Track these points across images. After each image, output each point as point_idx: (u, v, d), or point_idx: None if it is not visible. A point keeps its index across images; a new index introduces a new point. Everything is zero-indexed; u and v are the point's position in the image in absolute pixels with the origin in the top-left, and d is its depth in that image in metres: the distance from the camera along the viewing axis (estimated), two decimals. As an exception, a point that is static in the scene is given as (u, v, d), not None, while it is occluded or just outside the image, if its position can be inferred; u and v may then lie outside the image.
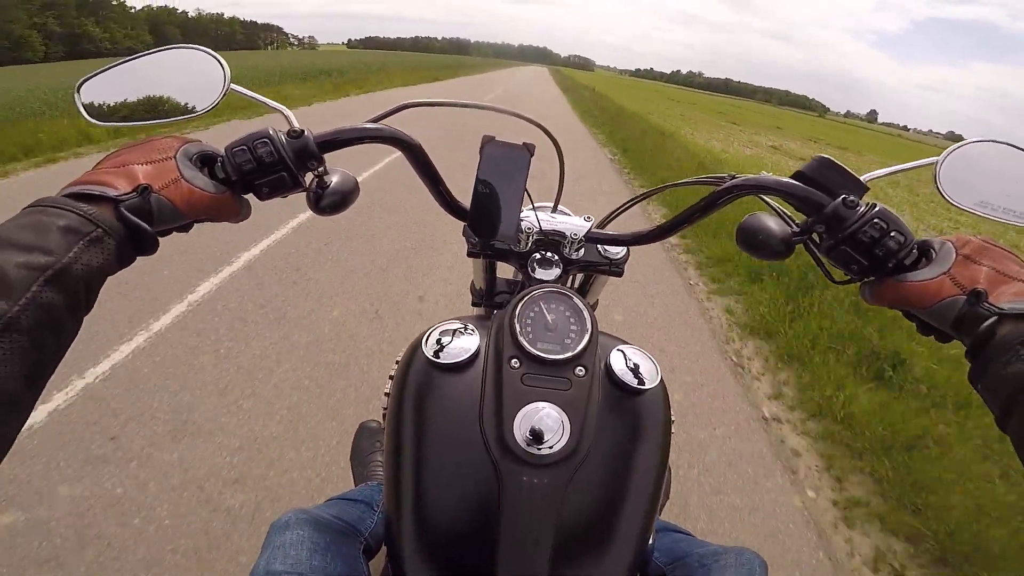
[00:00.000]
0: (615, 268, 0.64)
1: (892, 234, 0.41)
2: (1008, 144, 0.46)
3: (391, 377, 0.54)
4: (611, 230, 0.64)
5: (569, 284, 0.74)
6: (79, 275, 0.32)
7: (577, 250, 0.62)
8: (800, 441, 1.75)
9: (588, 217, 0.63)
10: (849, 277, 0.45)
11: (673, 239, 3.38)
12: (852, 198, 0.43)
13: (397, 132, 0.49)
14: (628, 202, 0.69)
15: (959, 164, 0.46)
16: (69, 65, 28.03)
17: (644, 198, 0.68)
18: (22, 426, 0.30)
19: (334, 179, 0.48)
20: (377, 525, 0.70)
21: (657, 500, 0.48)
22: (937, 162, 0.46)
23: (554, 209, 0.65)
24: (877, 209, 0.42)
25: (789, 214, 0.49)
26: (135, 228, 0.36)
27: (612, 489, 0.46)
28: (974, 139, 0.47)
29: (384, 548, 0.58)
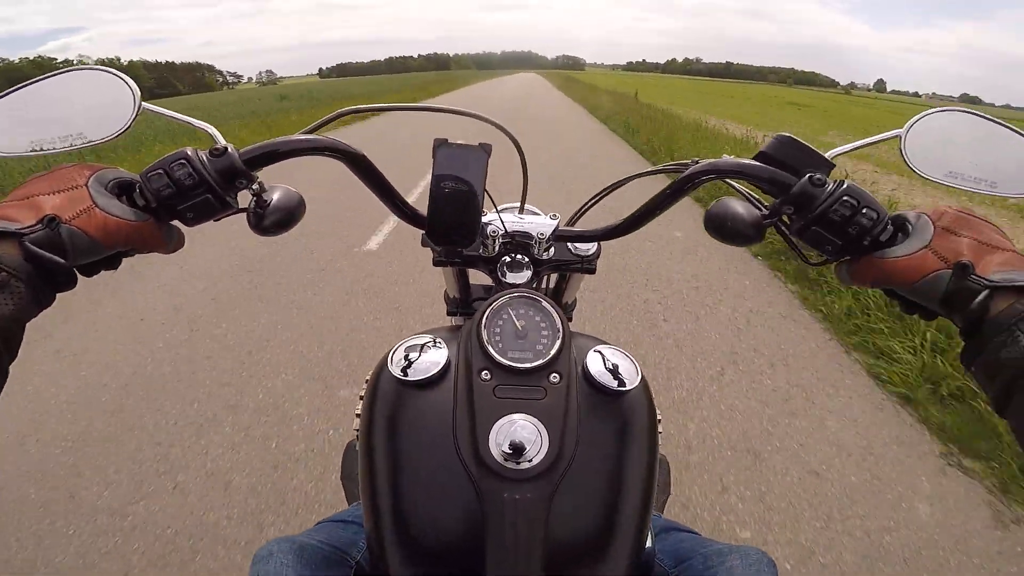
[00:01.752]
0: (587, 265, 0.64)
1: (864, 211, 0.41)
2: (971, 112, 0.46)
3: (361, 397, 0.53)
4: (581, 227, 0.64)
5: (544, 285, 0.75)
6: None
7: (547, 250, 0.62)
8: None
9: (555, 215, 0.63)
10: (824, 258, 0.45)
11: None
12: (819, 176, 0.43)
13: (336, 142, 0.48)
14: (594, 197, 0.69)
15: (924, 135, 0.46)
16: None
17: (610, 191, 0.68)
18: None
19: (275, 196, 0.47)
20: None
21: (650, 500, 0.48)
22: (901, 134, 0.46)
23: (521, 210, 0.65)
24: (845, 186, 0.42)
25: (757, 197, 0.50)
26: (46, 264, 0.34)
27: (601, 495, 0.45)
28: (936, 109, 0.47)
29: None
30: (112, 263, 0.41)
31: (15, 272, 0.32)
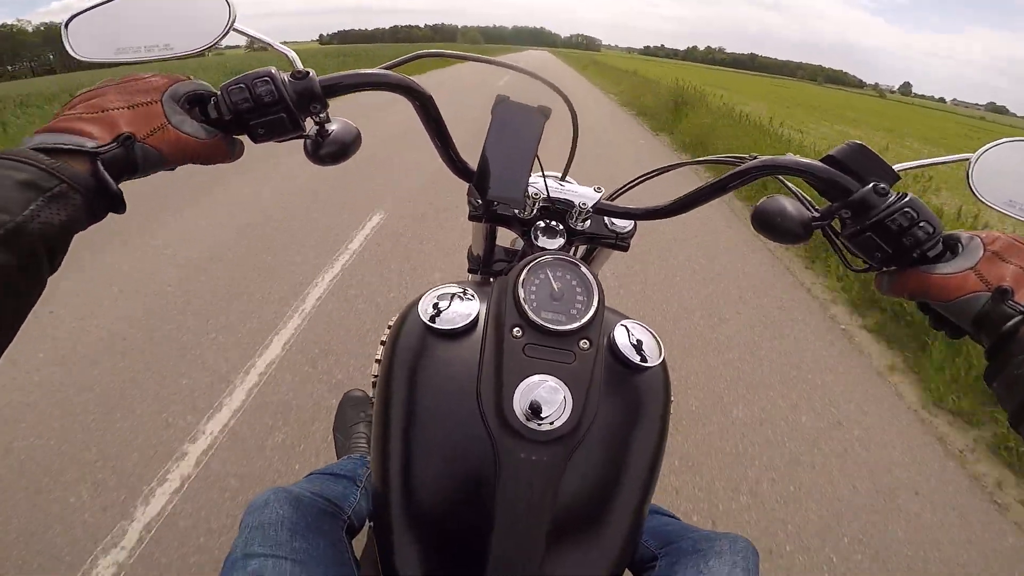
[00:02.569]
0: (620, 242, 0.65)
1: (921, 224, 0.42)
2: None
3: (383, 343, 0.55)
4: (621, 203, 0.64)
5: (573, 255, 0.77)
6: (36, 233, 0.31)
7: (583, 221, 0.63)
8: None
9: (599, 188, 0.64)
10: (868, 265, 0.46)
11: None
12: (883, 186, 0.44)
13: (408, 80, 0.49)
14: (640, 177, 0.69)
15: (993, 161, 0.47)
16: None
17: (659, 173, 0.68)
18: None
19: (335, 127, 0.48)
20: (360, 501, 0.69)
21: (653, 483, 0.49)
22: (971, 159, 0.47)
23: (563, 177, 0.66)
24: (908, 198, 0.43)
25: (808, 198, 0.51)
26: (107, 186, 0.35)
27: (610, 469, 0.47)
28: (1012, 138, 0.48)
29: (368, 526, 0.59)
30: (170, 168, 0.43)
31: (76, 185, 0.33)
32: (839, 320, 2.61)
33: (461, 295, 0.50)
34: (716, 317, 2.45)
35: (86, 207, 0.34)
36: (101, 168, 0.35)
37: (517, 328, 0.44)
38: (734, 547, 0.56)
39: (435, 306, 0.49)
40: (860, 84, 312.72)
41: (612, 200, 0.66)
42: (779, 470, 1.64)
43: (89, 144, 0.35)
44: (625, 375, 0.49)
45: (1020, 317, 0.36)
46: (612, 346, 0.49)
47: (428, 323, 0.48)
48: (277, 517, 0.53)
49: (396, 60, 0.55)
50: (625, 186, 0.69)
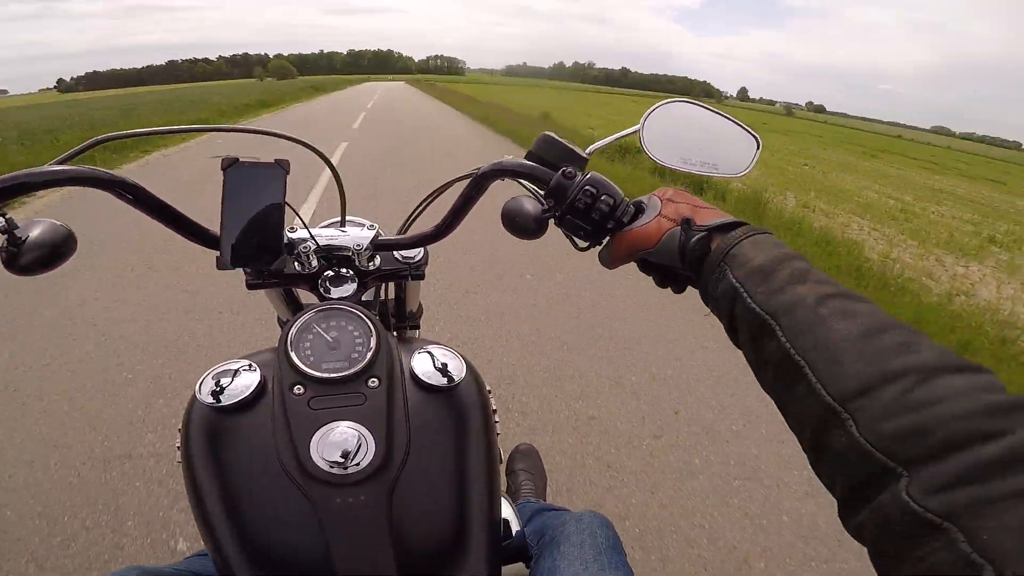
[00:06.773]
0: (414, 271, 0.73)
1: (603, 197, 0.53)
2: (693, 103, 0.59)
3: (180, 430, 0.57)
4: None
5: (384, 295, 0.85)
6: None
7: (369, 260, 0.70)
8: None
9: (372, 225, 0.71)
10: (587, 243, 0.57)
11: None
12: (570, 170, 0.54)
13: (98, 172, 0.51)
14: (419, 206, 0.77)
15: (659, 125, 0.58)
16: None
17: (434, 198, 0.75)
18: None
19: (32, 233, 0.49)
20: None
21: (496, 484, 0.56)
22: (640, 127, 0.58)
23: (342, 224, 0.72)
24: (588, 176, 0.53)
25: (541, 194, 0.59)
26: None
27: (444, 486, 0.53)
28: (667, 100, 0.59)
29: None
30: None
31: None
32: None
33: (246, 368, 0.54)
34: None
35: None
36: None
37: (298, 386, 0.51)
38: (579, 526, 0.66)
39: (217, 384, 0.53)
40: (710, 95, 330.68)
41: (403, 233, 0.74)
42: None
43: None
44: (433, 398, 0.56)
45: (704, 233, 0.48)
46: (413, 375, 0.56)
47: (212, 402, 0.52)
48: None
49: (71, 151, 0.54)
50: (408, 219, 0.78)
